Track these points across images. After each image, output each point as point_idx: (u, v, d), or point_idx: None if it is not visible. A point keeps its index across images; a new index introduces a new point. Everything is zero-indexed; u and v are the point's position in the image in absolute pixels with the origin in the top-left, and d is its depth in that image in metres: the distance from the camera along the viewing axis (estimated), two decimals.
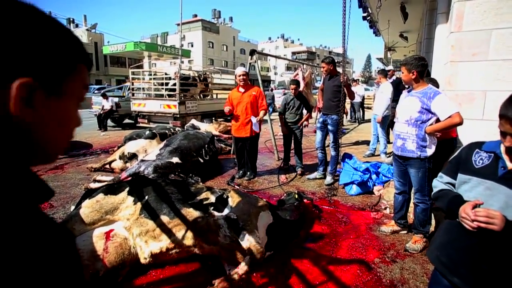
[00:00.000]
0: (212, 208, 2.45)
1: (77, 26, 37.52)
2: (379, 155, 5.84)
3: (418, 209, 2.64)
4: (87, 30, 34.80)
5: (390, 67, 10.00)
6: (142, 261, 2.33)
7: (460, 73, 2.86)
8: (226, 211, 2.43)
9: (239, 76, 4.38)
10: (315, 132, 9.69)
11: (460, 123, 2.37)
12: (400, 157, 2.69)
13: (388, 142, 5.86)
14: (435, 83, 2.83)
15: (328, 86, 4.33)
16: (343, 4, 3.96)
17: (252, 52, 5.82)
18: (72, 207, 3.28)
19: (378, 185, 4.15)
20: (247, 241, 2.21)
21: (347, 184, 4.22)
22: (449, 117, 2.35)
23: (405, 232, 2.90)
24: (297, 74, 8.59)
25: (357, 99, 10.50)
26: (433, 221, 2.83)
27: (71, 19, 37.23)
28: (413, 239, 2.65)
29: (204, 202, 2.50)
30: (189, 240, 2.31)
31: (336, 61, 4.73)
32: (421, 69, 2.49)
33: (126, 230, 2.39)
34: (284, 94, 20.61)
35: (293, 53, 59.89)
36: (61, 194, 4.00)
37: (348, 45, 4.45)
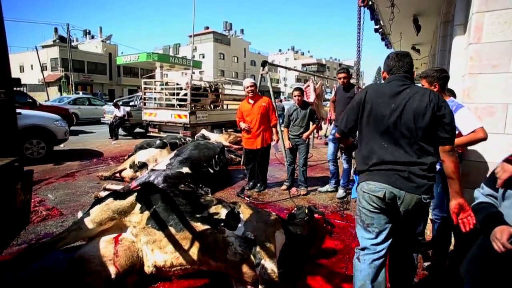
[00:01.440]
0: (222, 224, 2.38)
1: (92, 37, 38.76)
2: None
3: (436, 226, 2.52)
4: (102, 41, 35.90)
5: None
6: (146, 269, 2.27)
7: (479, 86, 2.77)
8: (239, 228, 2.36)
9: (247, 88, 4.37)
10: (326, 144, 9.65)
11: (484, 139, 2.26)
12: None
13: None
14: (452, 94, 2.71)
15: (342, 97, 4.27)
16: (357, 18, 3.96)
17: (264, 63, 5.83)
18: (80, 214, 3.28)
19: None
20: (263, 268, 2.10)
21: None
22: (473, 131, 2.26)
23: (422, 249, 2.76)
24: (308, 85, 8.57)
25: None
26: (452, 239, 2.70)
27: (88, 31, 38.48)
28: (432, 258, 2.52)
29: (214, 217, 2.44)
30: (195, 255, 2.24)
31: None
32: (443, 82, 2.41)
33: (133, 235, 2.36)
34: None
35: (303, 65, 60.28)
36: (71, 202, 4.00)
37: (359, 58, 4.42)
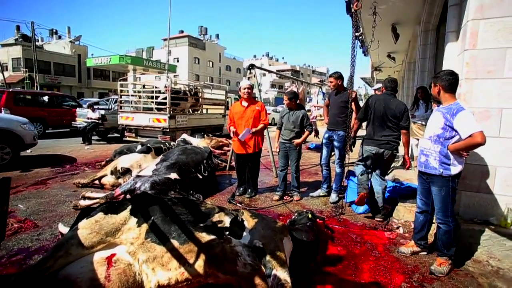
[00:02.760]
0: (227, 233, 2.22)
1: (60, 37, 36.78)
2: None
3: (441, 230, 2.51)
4: (70, 42, 34.14)
5: (379, 85, 10.18)
6: None
7: (475, 90, 2.85)
8: (245, 236, 2.21)
9: (244, 89, 4.22)
10: (308, 149, 9.70)
11: (482, 144, 2.24)
12: (423, 173, 2.60)
13: None
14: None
15: (335, 101, 4.26)
16: (353, 29, 4.00)
17: (251, 66, 5.74)
18: (61, 226, 2.95)
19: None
20: (276, 279, 1.96)
21: (353, 202, 4.10)
22: (470, 136, 2.24)
23: (425, 253, 2.76)
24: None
25: None
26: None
27: (55, 30, 36.46)
28: (437, 261, 2.51)
29: (219, 226, 2.27)
30: (202, 269, 2.04)
31: (321, 80, 4.67)
32: (446, 83, 2.43)
33: (130, 255, 2.12)
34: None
35: (278, 71, 60.96)
36: (46, 212, 3.62)
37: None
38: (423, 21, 5.84)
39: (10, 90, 11.30)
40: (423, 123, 5.25)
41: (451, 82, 2.43)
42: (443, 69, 3.67)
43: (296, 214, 3.16)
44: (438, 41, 5.92)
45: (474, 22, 2.78)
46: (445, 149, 2.42)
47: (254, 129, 4.17)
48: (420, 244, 2.76)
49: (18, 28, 34.11)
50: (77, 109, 11.06)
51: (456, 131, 2.36)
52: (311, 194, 4.54)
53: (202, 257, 2.06)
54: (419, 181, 2.69)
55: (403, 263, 2.64)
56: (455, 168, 2.41)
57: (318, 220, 3.09)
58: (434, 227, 2.86)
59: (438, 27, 5.78)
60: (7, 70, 28.45)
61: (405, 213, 3.67)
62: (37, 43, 29.19)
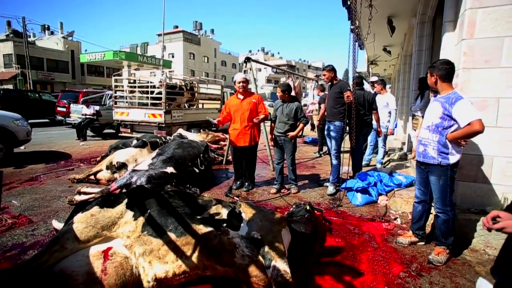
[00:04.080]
0: (225, 224, 2.20)
1: (52, 33, 36.24)
2: (374, 165, 5.81)
3: (439, 220, 2.51)
4: (63, 37, 33.67)
5: (374, 78, 10.19)
6: (145, 285, 2.01)
7: (472, 80, 2.84)
8: (242, 228, 2.19)
9: (239, 83, 4.18)
10: (305, 143, 9.70)
11: (480, 131, 2.23)
12: (421, 163, 2.59)
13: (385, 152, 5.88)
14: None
15: (330, 93, 4.25)
16: (350, 29, 3.98)
17: (247, 59, 5.68)
18: (55, 222, 2.91)
19: (382, 194, 4.05)
20: (275, 270, 1.95)
21: (348, 190, 4.10)
22: (468, 124, 2.23)
23: (423, 243, 2.77)
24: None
25: None
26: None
27: (47, 26, 35.92)
28: (435, 251, 2.52)
29: (216, 218, 2.25)
30: (199, 261, 2.02)
31: (317, 75, 4.73)
32: (442, 73, 2.40)
33: (127, 248, 2.09)
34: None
35: (274, 67, 60.68)
36: (40, 208, 3.57)
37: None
38: (419, 12, 5.80)
39: None
40: (419, 114, 5.25)
41: (448, 71, 2.41)
42: (429, 63, 3.67)
43: (294, 206, 3.15)
44: (434, 33, 5.90)
45: (472, 11, 2.76)
46: (443, 139, 2.41)
47: (256, 119, 4.14)
48: (418, 234, 2.77)
49: (9, 23, 33.50)
50: (71, 105, 10.92)
51: (454, 120, 2.34)
52: (327, 192, 4.34)
53: (200, 249, 2.04)
54: (417, 171, 2.69)
55: (401, 253, 2.65)
56: (454, 157, 2.41)
57: (316, 212, 3.09)
58: (431, 217, 2.87)
59: (434, 19, 5.75)
60: None
61: (402, 204, 3.68)
62: (29, 39, 28.75)
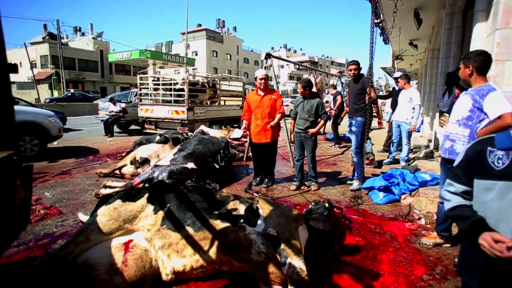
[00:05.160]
0: (242, 220, 2.20)
1: (83, 34, 37.94)
2: (398, 162, 5.61)
3: (442, 206, 2.39)
4: (93, 38, 35.16)
5: (398, 74, 9.90)
6: (164, 277, 2.07)
7: (506, 73, 2.66)
8: (259, 225, 2.19)
9: (260, 79, 4.17)
10: (326, 139, 9.53)
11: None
12: (448, 160, 2.43)
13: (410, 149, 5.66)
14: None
15: (352, 89, 4.16)
16: (371, 20, 3.86)
17: (268, 55, 5.65)
18: (81, 215, 3.06)
19: (405, 193, 3.91)
20: (291, 267, 1.94)
21: (369, 190, 4.00)
22: (499, 117, 2.06)
23: (449, 245, 2.64)
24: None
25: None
26: None
27: (78, 28, 37.64)
28: (434, 238, 2.40)
29: (233, 213, 2.26)
30: (216, 256, 2.05)
31: (340, 71, 4.64)
32: (479, 64, 2.20)
33: (147, 241, 2.15)
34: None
35: (296, 63, 60.09)
36: (70, 200, 3.77)
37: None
38: (449, 3, 5.51)
39: None
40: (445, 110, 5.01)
41: (485, 62, 2.21)
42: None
43: (313, 203, 3.10)
44: (465, 25, 5.58)
45: None
46: (474, 133, 2.25)
47: (272, 122, 4.14)
48: (444, 236, 2.64)
49: (45, 26, 35.47)
50: (100, 103, 11.39)
51: (485, 113, 2.19)
52: (350, 188, 4.27)
53: (216, 244, 2.07)
54: (442, 169, 2.55)
55: (424, 254, 2.54)
56: None
57: (335, 209, 3.03)
58: None
59: (465, 10, 5.43)
60: (36, 67, 29.75)
61: (427, 204, 3.53)
62: (62, 41, 30.27)
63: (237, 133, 5.00)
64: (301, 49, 74.55)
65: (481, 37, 3.22)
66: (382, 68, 23.66)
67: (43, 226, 3.01)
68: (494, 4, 2.81)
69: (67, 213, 3.37)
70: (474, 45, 3.33)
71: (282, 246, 2.08)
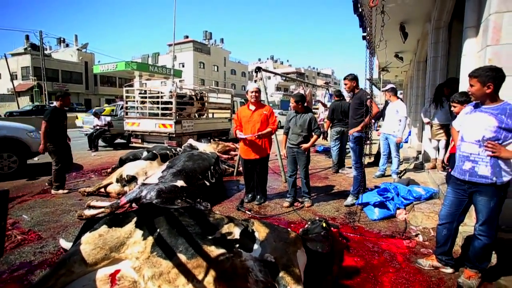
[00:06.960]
0: (237, 245, 2.07)
1: (67, 45, 37.36)
2: (390, 175, 5.60)
3: (479, 243, 2.25)
4: (77, 49, 34.62)
5: (389, 86, 10.06)
6: None
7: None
8: (256, 250, 2.06)
9: (251, 92, 4.09)
10: (316, 152, 9.51)
11: None
12: (466, 182, 2.29)
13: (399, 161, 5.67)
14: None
15: (351, 103, 4.20)
16: (367, 28, 3.89)
17: (258, 69, 5.62)
18: (62, 241, 2.84)
19: (400, 208, 3.86)
20: None
21: (364, 205, 3.93)
22: None
23: (449, 271, 2.51)
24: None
25: None
26: (494, 259, 2.51)
27: (62, 39, 37.07)
28: (466, 273, 2.31)
29: (228, 238, 2.13)
30: (211, 285, 1.89)
31: (326, 82, 4.67)
32: (499, 82, 2.14)
33: (135, 271, 1.98)
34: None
35: (283, 74, 60.86)
36: (50, 223, 3.53)
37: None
38: (434, 18, 5.64)
39: None
40: (436, 121, 5.06)
41: (502, 79, 2.15)
42: (461, 67, 3.49)
43: (309, 222, 3.00)
44: (451, 38, 5.72)
45: (497, 15, 2.61)
46: None
47: (260, 133, 4.03)
48: (441, 260, 2.52)
49: (27, 37, 34.74)
50: (84, 117, 11.07)
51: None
52: (344, 203, 4.22)
53: (211, 272, 1.92)
54: (454, 188, 2.40)
55: (426, 275, 2.46)
56: (509, 175, 2.16)
57: (332, 228, 2.94)
58: (460, 238, 2.67)
59: (450, 24, 5.58)
60: (16, 79, 28.94)
61: (423, 219, 3.48)
62: (45, 52, 29.67)
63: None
64: (287, 61, 75.81)
65: (471, 52, 3.25)
66: (367, 79, 24.21)
67: (20, 254, 2.77)
68: (483, 21, 2.85)
69: (47, 237, 3.14)
70: (465, 60, 3.37)
71: (281, 274, 1.96)
